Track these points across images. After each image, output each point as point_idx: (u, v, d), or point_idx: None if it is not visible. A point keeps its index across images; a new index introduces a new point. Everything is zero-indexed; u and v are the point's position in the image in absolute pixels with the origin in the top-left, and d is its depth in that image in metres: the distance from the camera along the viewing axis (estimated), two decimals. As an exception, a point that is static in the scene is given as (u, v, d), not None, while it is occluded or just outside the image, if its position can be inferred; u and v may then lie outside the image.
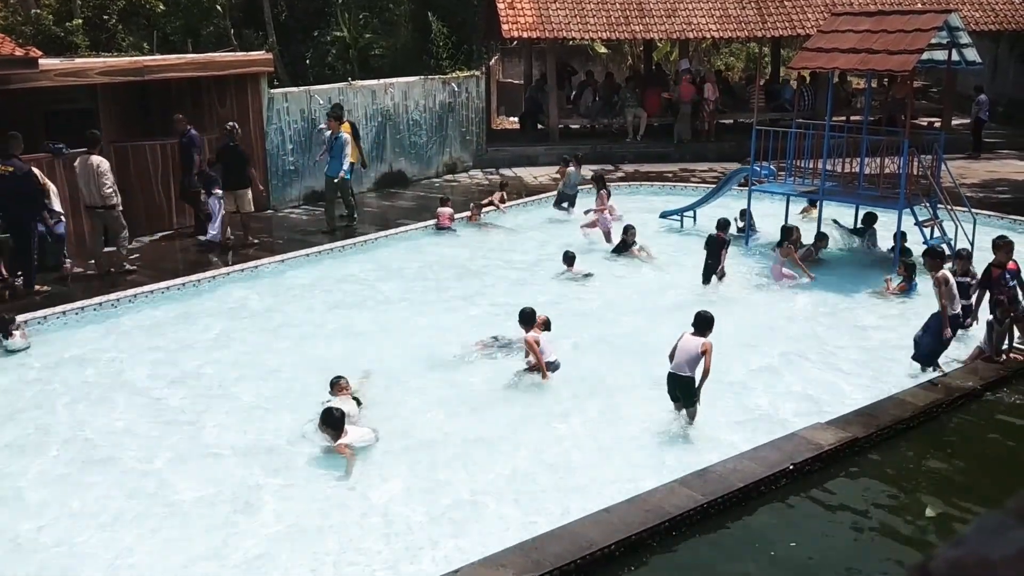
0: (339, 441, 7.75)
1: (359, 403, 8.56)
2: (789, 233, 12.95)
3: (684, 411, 8.34)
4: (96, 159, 12.82)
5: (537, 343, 9.25)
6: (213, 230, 14.50)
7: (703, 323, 8.38)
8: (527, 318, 9.43)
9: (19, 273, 12.60)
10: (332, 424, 7.81)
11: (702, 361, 8.13)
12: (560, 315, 10.47)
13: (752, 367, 9.85)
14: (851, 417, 8.21)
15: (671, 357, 8.33)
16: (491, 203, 16.94)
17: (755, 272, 13.32)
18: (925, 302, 11.51)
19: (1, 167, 11.86)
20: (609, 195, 15.65)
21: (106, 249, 13.13)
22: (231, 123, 14.79)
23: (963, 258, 10.87)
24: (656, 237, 15.61)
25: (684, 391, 8.27)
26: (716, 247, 12.74)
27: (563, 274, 13.14)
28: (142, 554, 6.52)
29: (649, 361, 9.28)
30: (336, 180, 15.36)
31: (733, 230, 13.62)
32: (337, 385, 8.62)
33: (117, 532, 6.81)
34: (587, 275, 13.11)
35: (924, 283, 12.32)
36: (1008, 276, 10.03)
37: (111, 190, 12.83)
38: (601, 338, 10.81)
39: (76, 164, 12.88)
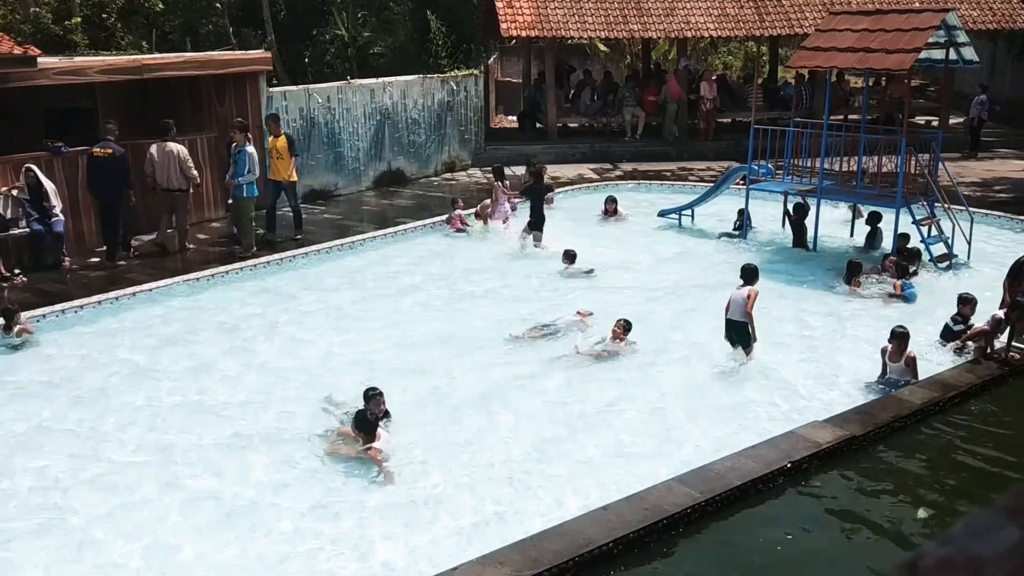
0: (370, 445, 7.56)
1: (388, 416, 8.28)
2: (857, 268, 12.35)
3: (742, 351, 9.65)
4: (174, 146, 13.87)
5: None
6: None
7: (749, 273, 9.92)
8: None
9: (17, 271, 12.65)
10: (365, 428, 7.65)
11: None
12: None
13: (750, 365, 9.86)
14: (849, 415, 8.24)
15: (727, 308, 9.77)
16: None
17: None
18: (925, 305, 11.54)
19: (100, 150, 13.16)
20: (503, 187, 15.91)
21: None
22: (239, 119, 14.77)
23: (968, 303, 10.10)
24: (654, 235, 15.64)
25: (739, 334, 9.67)
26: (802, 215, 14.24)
27: (565, 271, 13.19)
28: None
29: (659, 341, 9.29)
30: (241, 198, 13.81)
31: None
32: (373, 400, 8.11)
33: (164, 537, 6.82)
34: (589, 271, 13.21)
35: (922, 283, 12.37)
36: None
37: (195, 172, 14.10)
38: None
39: (153, 151, 13.77)
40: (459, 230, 15.69)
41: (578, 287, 12.68)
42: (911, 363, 9.07)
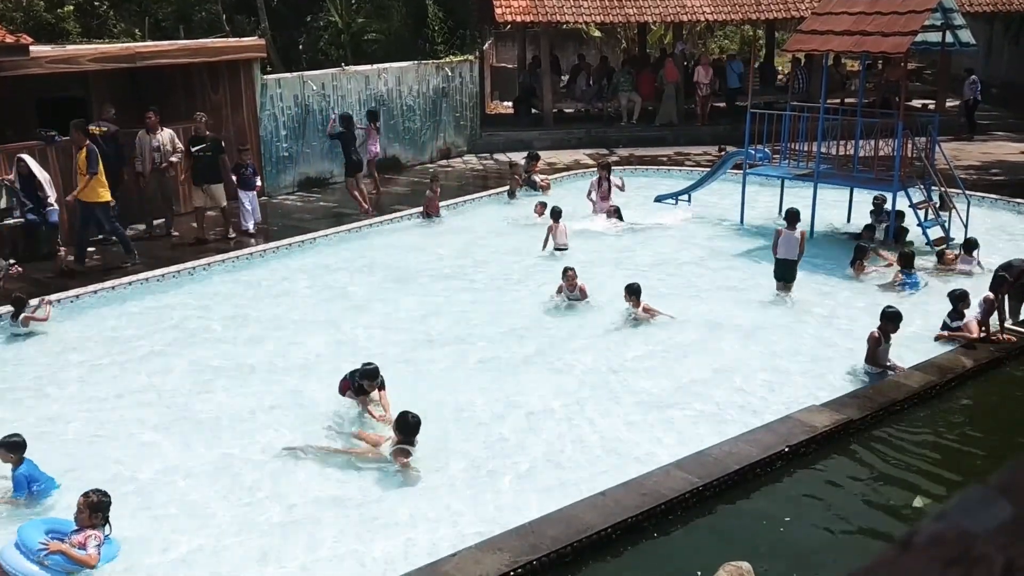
0: (407, 454, 7.27)
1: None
2: (864, 252, 12.31)
3: (786, 287, 11.28)
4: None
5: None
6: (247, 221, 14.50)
7: (793, 217, 11.62)
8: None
9: (12, 262, 12.62)
10: (408, 431, 7.30)
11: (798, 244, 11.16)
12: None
13: (748, 350, 9.88)
14: (846, 399, 8.25)
15: (775, 250, 11.38)
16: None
17: (736, 257, 13.37)
18: (928, 292, 11.50)
19: (96, 128, 13.66)
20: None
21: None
22: (199, 113, 14.37)
23: (963, 299, 9.86)
24: (650, 220, 15.62)
25: (790, 271, 11.32)
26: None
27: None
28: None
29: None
30: None
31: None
32: (370, 385, 8.22)
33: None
34: (561, 249, 13.49)
35: (918, 268, 12.34)
36: None
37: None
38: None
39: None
40: (428, 215, 15.61)
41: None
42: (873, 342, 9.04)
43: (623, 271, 12.68)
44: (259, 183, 15.05)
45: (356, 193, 15.55)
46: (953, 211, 13.81)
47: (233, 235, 14.25)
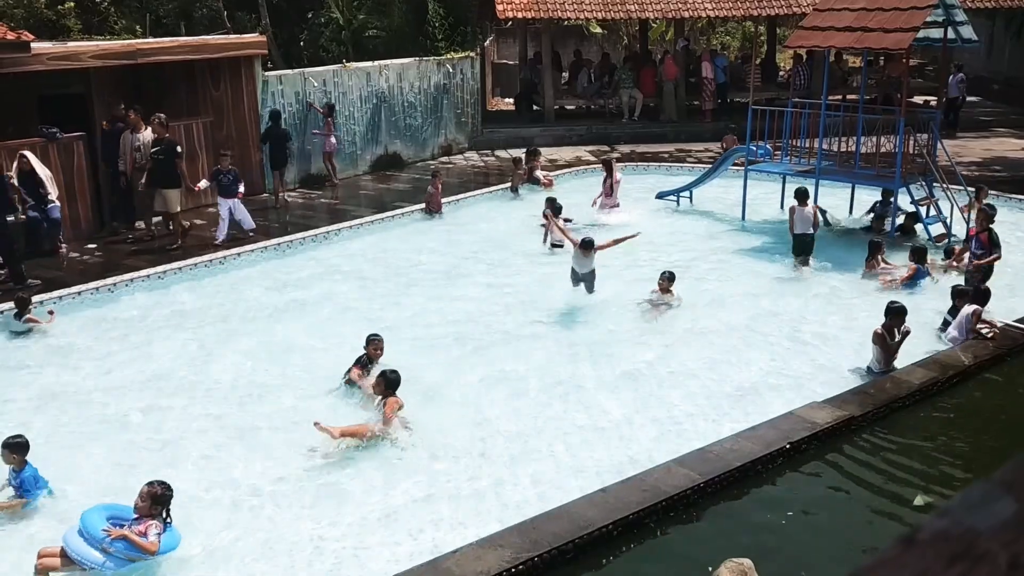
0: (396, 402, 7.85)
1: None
2: (878, 248, 12.18)
3: (803, 261, 12.09)
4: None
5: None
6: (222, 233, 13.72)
7: (803, 194, 12.40)
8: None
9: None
10: (390, 385, 7.95)
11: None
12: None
13: (749, 345, 9.88)
14: (847, 396, 8.25)
15: (791, 227, 12.31)
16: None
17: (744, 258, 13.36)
18: (930, 291, 11.47)
19: (108, 125, 14.16)
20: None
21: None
22: (159, 114, 13.74)
23: (963, 295, 9.98)
24: (652, 217, 15.62)
25: (808, 245, 12.14)
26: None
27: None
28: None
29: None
30: None
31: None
32: (373, 343, 8.95)
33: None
34: (557, 245, 13.35)
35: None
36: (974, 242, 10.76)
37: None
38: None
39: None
40: (430, 212, 15.57)
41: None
42: (905, 335, 9.02)
43: (623, 268, 12.70)
44: (242, 190, 13.98)
45: (277, 185, 16.34)
46: (955, 208, 13.78)
47: (178, 244, 13.49)
